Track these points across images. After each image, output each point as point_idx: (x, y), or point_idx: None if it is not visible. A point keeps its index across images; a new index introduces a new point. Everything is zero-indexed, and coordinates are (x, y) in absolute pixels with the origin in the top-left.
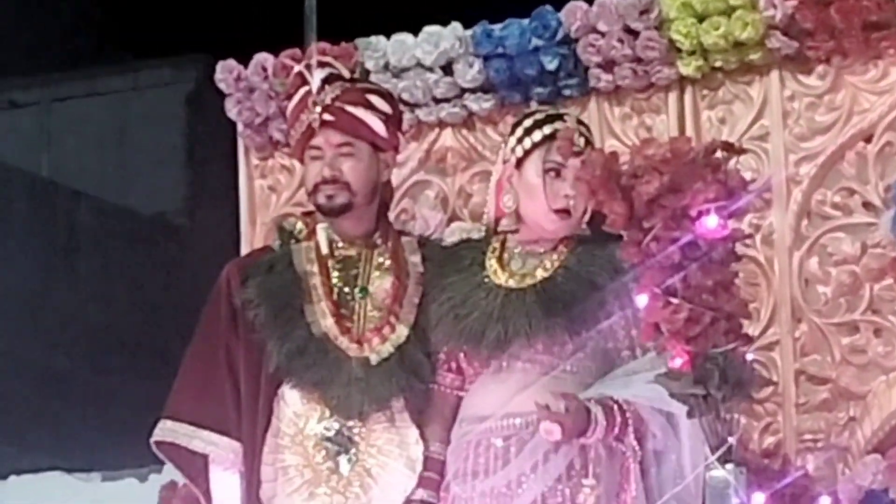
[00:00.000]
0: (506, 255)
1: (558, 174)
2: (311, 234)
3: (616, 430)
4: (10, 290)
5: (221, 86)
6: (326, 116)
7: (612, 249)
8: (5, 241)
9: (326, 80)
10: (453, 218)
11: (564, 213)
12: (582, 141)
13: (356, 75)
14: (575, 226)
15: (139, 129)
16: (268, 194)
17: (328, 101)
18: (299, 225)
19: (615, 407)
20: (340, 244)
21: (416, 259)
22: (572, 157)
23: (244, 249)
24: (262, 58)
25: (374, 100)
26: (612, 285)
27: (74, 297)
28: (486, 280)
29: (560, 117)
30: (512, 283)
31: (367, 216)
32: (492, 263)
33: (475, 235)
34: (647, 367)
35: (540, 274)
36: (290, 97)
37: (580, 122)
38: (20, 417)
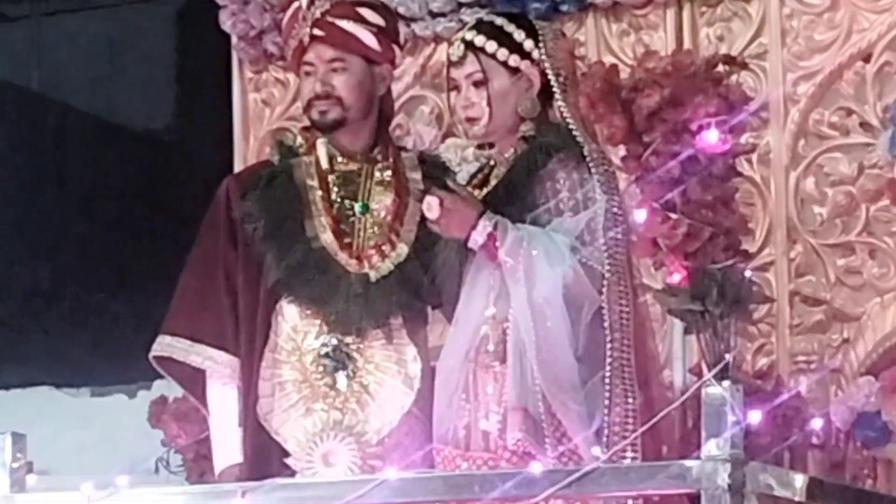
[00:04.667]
0: (494, 168)
1: (458, 89)
2: (311, 148)
3: (498, 245)
4: None
5: None
6: (316, 31)
7: (547, 139)
8: None
9: None
10: (448, 133)
11: (473, 120)
12: (461, 49)
13: None
14: (491, 126)
15: (131, 43)
16: (261, 108)
17: (318, 15)
18: (299, 139)
19: (509, 227)
20: (340, 159)
21: (416, 176)
22: (452, 67)
23: (237, 164)
24: None
25: (365, 12)
26: (537, 177)
27: (64, 213)
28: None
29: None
30: (479, 193)
31: (365, 131)
32: (474, 180)
33: (469, 151)
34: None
35: (493, 183)
36: (284, 10)
37: (484, 24)
38: (8, 333)
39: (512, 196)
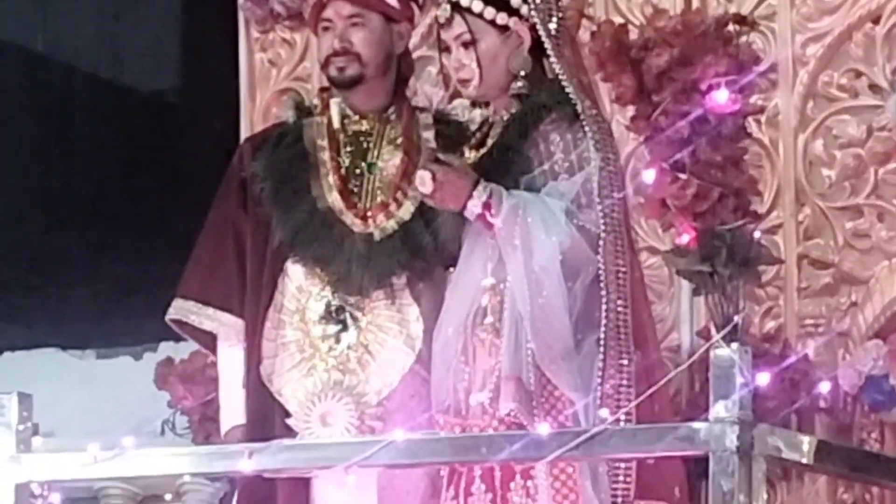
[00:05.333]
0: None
1: (448, 51)
2: (325, 108)
3: (493, 213)
4: (3, 167)
5: None
6: None
7: (540, 98)
8: None
9: None
10: (455, 95)
11: (465, 81)
12: (447, 10)
13: None
14: (483, 87)
15: (136, 3)
16: (268, 68)
17: None
18: (315, 100)
19: (503, 195)
20: (353, 118)
21: (428, 135)
22: (441, 29)
23: (243, 125)
24: None
25: None
26: (531, 138)
27: (68, 175)
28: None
29: None
30: (471, 158)
31: (381, 89)
32: (472, 140)
33: (476, 112)
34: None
35: (489, 143)
36: None
37: None
38: (14, 294)
39: (505, 159)
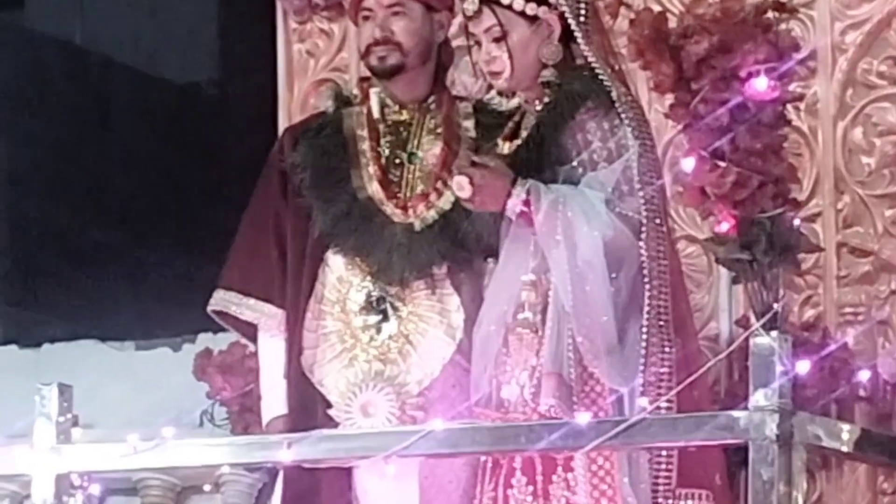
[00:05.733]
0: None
1: (478, 44)
2: (365, 98)
3: (534, 210)
4: (42, 160)
5: None
6: None
7: (575, 87)
8: (38, 110)
9: None
10: (492, 85)
11: (496, 74)
12: (475, 3)
13: None
14: (514, 79)
15: None
16: (306, 59)
17: None
18: (355, 90)
19: (542, 190)
20: (392, 108)
21: (468, 124)
22: (469, 23)
23: (281, 116)
24: None
25: None
26: (568, 128)
27: (107, 167)
28: (495, 148)
29: None
30: (505, 149)
31: (422, 78)
32: (506, 130)
33: (514, 102)
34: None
35: (523, 134)
36: None
37: None
38: (54, 286)
39: (542, 150)
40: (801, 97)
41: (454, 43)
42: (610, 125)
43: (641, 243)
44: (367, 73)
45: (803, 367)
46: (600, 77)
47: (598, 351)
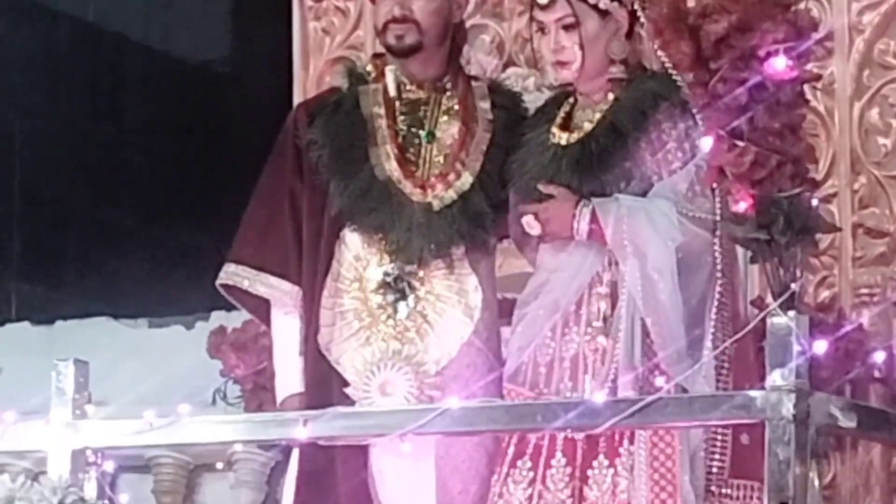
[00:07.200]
0: (576, 109)
1: (543, 31)
2: (380, 76)
3: (603, 227)
4: (55, 138)
5: None
6: None
7: (650, 85)
8: (51, 88)
9: None
10: (509, 63)
11: (564, 64)
12: None
13: None
14: (583, 71)
15: None
16: (321, 37)
17: None
18: (369, 66)
19: (606, 206)
20: (409, 86)
21: (485, 105)
22: (541, 11)
23: (296, 94)
24: None
25: None
26: (645, 125)
27: (120, 146)
28: (548, 136)
29: None
30: (563, 140)
31: (438, 58)
32: (557, 120)
33: (530, 81)
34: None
35: (587, 127)
36: None
37: None
38: (66, 264)
39: (612, 145)
40: (819, 77)
41: (470, 22)
42: (685, 126)
43: (715, 239)
44: (381, 50)
45: (820, 346)
46: (674, 77)
47: (668, 359)
